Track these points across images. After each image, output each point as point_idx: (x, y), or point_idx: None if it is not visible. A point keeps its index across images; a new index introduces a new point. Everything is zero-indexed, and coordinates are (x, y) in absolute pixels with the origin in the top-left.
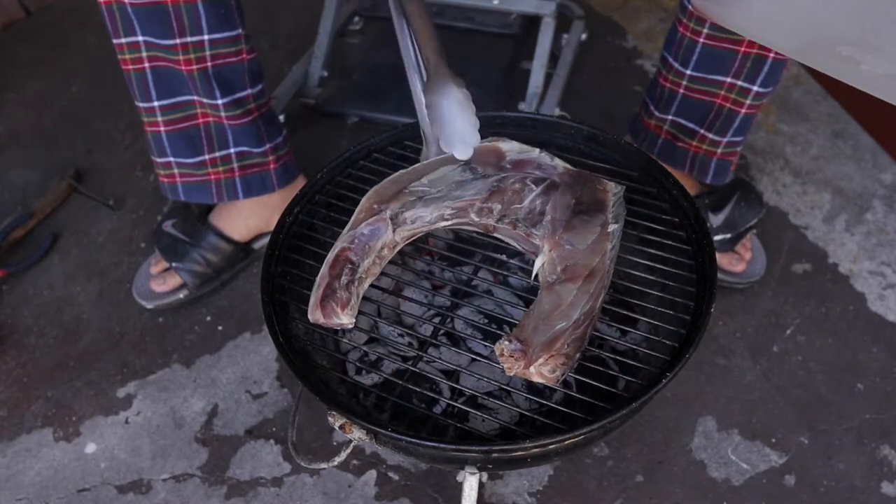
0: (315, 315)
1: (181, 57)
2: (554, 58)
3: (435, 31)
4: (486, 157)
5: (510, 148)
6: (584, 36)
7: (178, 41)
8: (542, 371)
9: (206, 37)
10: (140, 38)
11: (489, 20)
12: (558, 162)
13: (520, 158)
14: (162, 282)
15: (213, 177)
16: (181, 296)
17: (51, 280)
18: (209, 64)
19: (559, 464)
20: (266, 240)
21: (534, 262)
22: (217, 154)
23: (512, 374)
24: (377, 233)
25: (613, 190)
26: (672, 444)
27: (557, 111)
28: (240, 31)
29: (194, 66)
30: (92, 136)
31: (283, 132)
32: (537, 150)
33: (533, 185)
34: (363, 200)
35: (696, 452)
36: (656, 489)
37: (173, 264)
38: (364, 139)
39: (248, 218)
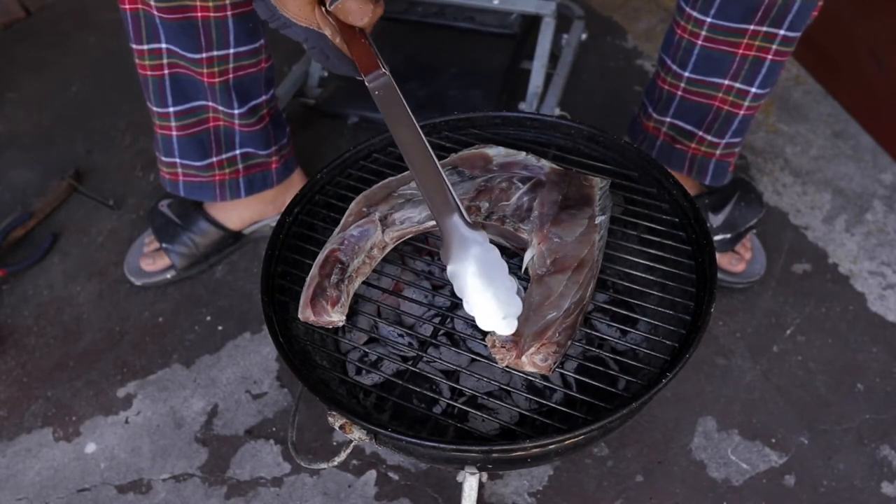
0: (305, 313)
1: (205, 70)
2: (554, 58)
3: (435, 166)
4: (473, 161)
5: (496, 153)
6: (584, 36)
7: (204, 55)
8: (535, 360)
9: (231, 50)
10: (163, 46)
11: (489, 20)
12: (545, 162)
13: (506, 161)
14: (152, 261)
15: (217, 178)
16: (168, 276)
17: (51, 280)
18: (231, 76)
19: (559, 464)
20: (257, 226)
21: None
22: (224, 156)
23: (504, 365)
24: (366, 234)
25: (599, 185)
26: (672, 444)
27: (557, 111)
28: (262, 41)
29: (217, 79)
30: (92, 136)
31: (286, 131)
32: (524, 154)
33: (520, 184)
34: (352, 205)
35: (696, 452)
36: (656, 489)
37: (163, 245)
38: (364, 139)
39: (244, 210)
